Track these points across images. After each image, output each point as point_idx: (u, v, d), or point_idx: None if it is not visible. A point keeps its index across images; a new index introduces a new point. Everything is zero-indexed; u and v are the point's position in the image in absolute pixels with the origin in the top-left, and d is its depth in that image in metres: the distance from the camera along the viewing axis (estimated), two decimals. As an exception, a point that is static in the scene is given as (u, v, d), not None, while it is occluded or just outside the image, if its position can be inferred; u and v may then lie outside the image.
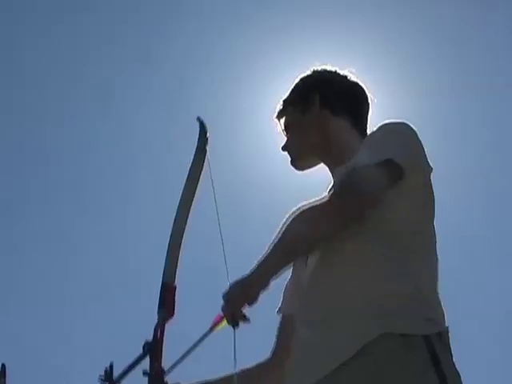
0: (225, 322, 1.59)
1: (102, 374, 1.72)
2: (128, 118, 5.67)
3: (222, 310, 1.51)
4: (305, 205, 1.50)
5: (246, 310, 1.49)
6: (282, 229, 1.47)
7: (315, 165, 1.82)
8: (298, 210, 1.50)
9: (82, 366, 4.59)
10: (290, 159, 1.81)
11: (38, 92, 5.66)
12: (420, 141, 1.61)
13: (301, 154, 1.80)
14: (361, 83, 1.83)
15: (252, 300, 1.47)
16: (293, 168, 1.82)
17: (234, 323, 1.50)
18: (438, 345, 1.42)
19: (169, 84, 5.61)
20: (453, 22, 5.56)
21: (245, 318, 1.50)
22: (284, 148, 1.82)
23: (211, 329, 1.72)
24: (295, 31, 5.23)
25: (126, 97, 5.77)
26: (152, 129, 5.57)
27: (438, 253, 1.59)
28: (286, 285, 1.79)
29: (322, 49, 4.71)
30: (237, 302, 1.49)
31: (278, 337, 1.78)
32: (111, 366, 1.73)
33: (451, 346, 1.49)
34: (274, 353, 1.77)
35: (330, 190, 1.65)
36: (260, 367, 1.77)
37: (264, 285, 1.46)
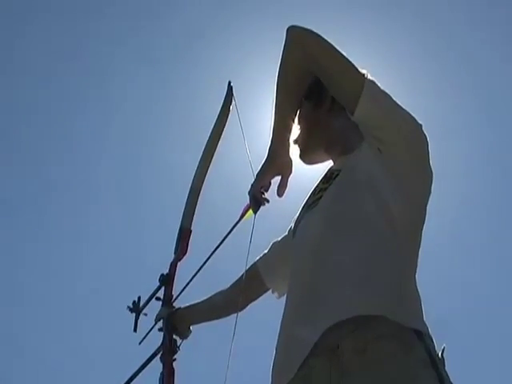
0: (250, 212, 1.89)
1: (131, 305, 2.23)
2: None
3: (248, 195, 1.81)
4: None
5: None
6: None
7: (323, 160, 1.87)
8: None
9: (112, 290, 5.09)
10: (298, 152, 1.86)
11: (36, 91, 5.72)
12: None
13: (307, 148, 1.85)
14: None
15: (265, 183, 1.79)
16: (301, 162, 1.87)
17: (256, 205, 1.79)
18: (432, 345, 1.46)
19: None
20: (450, 21, 5.32)
21: (265, 200, 1.80)
22: (294, 141, 1.85)
23: (240, 218, 2.00)
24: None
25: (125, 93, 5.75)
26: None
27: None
28: (275, 247, 2.01)
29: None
30: (255, 186, 1.78)
31: (241, 282, 1.97)
32: (139, 299, 2.25)
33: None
34: (231, 289, 2.07)
35: (326, 175, 1.79)
36: (217, 299, 2.11)
37: (272, 166, 1.76)
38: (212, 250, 2.14)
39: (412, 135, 1.62)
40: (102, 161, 5.86)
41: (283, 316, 1.62)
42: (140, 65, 5.56)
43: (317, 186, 1.78)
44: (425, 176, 1.66)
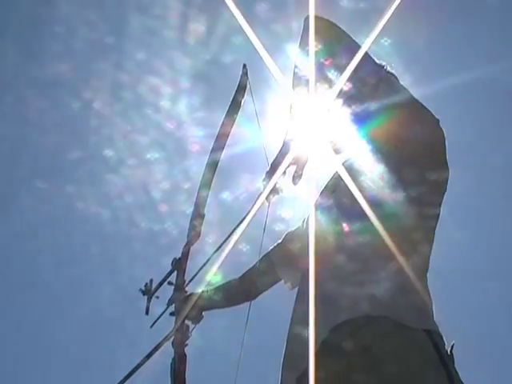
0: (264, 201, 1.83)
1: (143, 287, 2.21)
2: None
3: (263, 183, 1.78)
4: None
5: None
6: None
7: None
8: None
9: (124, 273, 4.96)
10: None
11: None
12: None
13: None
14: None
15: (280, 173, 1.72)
16: None
17: (270, 194, 1.77)
18: (442, 342, 1.47)
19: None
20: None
21: (279, 189, 1.77)
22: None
23: (253, 206, 1.91)
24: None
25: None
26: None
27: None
28: (288, 238, 2.00)
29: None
30: (270, 176, 1.74)
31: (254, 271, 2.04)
32: (151, 281, 2.23)
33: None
34: (243, 278, 2.09)
35: (339, 170, 1.77)
36: (229, 287, 2.12)
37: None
38: (225, 235, 2.12)
39: (429, 132, 1.61)
40: (111, 146, 5.82)
41: (293, 311, 1.64)
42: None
43: (329, 180, 1.78)
44: (440, 173, 1.64)
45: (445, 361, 1.41)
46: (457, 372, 1.43)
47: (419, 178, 1.60)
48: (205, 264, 2.15)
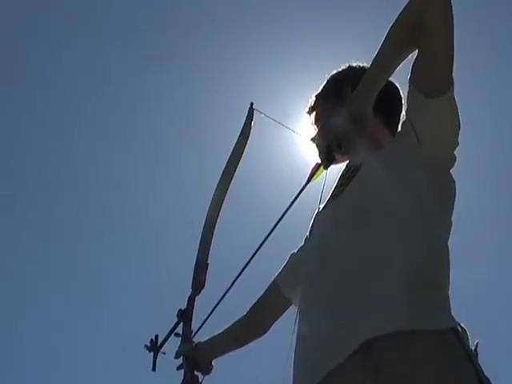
0: (320, 171, 1.73)
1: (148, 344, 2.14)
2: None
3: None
4: None
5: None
6: None
7: (341, 161, 1.78)
8: None
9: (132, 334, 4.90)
10: (318, 152, 1.79)
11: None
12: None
13: (351, 147, 1.70)
14: (395, 83, 1.77)
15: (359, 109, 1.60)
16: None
17: (328, 160, 1.66)
18: (467, 337, 1.43)
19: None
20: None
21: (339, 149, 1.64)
22: (313, 140, 1.78)
23: (308, 181, 1.79)
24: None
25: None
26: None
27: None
28: (293, 259, 1.93)
29: (336, 45, 4.79)
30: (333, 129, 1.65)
31: (262, 299, 2.00)
32: (156, 337, 2.16)
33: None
34: (252, 311, 2.02)
35: (343, 175, 1.74)
36: (239, 325, 2.04)
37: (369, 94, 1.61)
38: (230, 281, 2.07)
39: (453, 148, 1.60)
40: (110, 194, 5.80)
41: (298, 331, 1.56)
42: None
43: (335, 187, 1.73)
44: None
45: (471, 357, 1.37)
46: (481, 368, 1.39)
47: (440, 179, 1.59)
48: (211, 312, 2.10)
